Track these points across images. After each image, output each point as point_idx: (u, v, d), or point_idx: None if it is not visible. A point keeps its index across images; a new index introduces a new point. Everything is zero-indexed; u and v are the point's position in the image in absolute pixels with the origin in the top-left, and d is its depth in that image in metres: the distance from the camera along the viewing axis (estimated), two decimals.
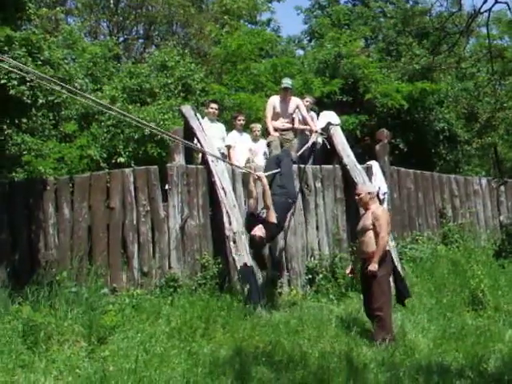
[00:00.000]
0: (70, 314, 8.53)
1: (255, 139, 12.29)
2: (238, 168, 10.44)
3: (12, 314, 8.38)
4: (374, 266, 8.11)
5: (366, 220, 8.43)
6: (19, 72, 6.63)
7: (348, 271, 9.11)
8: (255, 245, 9.15)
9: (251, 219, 9.28)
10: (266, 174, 9.44)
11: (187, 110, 11.54)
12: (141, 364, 7.13)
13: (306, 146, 12.02)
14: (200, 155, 11.60)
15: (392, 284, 8.91)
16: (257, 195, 9.51)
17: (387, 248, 8.36)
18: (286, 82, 12.68)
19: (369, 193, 8.63)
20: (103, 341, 8.04)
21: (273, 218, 8.95)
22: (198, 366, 7.09)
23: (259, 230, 8.93)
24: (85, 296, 9.00)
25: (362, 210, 9.15)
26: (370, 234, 8.29)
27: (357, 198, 8.72)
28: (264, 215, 9.08)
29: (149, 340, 8.01)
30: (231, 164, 10.59)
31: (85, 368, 7.23)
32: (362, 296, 8.90)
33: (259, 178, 9.17)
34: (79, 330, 8.19)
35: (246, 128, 12.82)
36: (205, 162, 10.85)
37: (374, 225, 8.26)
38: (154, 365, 7.12)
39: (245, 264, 9.60)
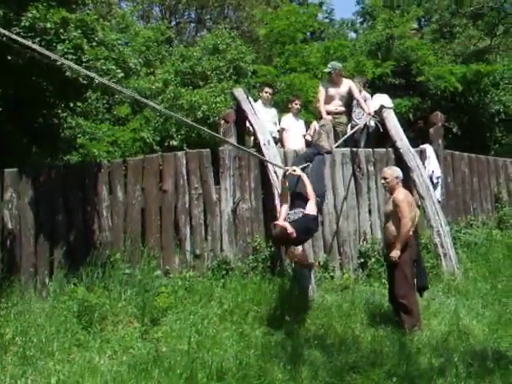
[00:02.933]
0: (124, 295, 8.65)
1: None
2: (270, 163, 10.00)
3: (67, 295, 8.53)
4: (395, 253, 7.91)
5: (389, 205, 8.26)
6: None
7: None
8: (276, 240, 8.13)
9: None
10: (299, 167, 8.59)
11: (239, 92, 11.49)
12: (193, 345, 7.21)
13: (356, 128, 11.87)
14: (252, 138, 11.56)
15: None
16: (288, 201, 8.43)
17: (411, 233, 8.06)
18: (329, 66, 12.50)
19: (396, 177, 8.31)
20: (156, 322, 8.14)
21: (313, 209, 7.93)
22: (250, 348, 7.13)
23: (282, 222, 7.80)
24: (138, 278, 9.11)
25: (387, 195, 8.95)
26: (392, 219, 8.08)
27: (383, 182, 8.43)
28: (294, 218, 7.91)
29: (201, 322, 8.08)
30: (260, 158, 10.02)
31: (138, 348, 7.35)
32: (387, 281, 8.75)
33: (295, 173, 8.28)
34: (133, 311, 8.31)
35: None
36: (257, 145, 10.82)
37: (395, 210, 8.03)
38: (207, 346, 7.19)
39: (296, 247, 9.56)
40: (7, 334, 7.44)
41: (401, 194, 8.14)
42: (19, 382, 6.30)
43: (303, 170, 8.55)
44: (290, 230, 7.56)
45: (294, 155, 10.65)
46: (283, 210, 8.20)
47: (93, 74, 6.46)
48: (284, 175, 8.53)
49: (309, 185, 8.04)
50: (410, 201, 8.18)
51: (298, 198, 8.17)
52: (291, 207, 8.19)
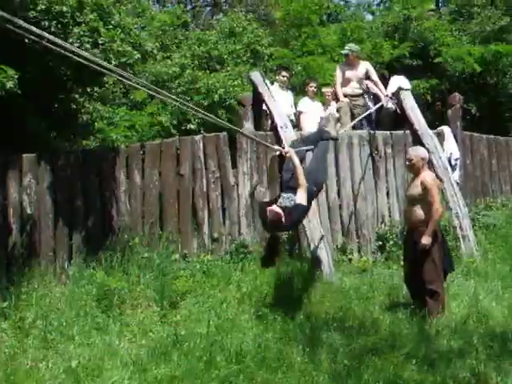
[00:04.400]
0: (143, 279, 8.68)
1: (326, 103, 12.17)
2: (265, 145, 9.72)
3: (87, 279, 8.56)
4: (427, 239, 7.59)
5: (415, 188, 7.84)
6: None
7: None
8: (269, 225, 7.57)
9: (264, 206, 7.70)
10: (296, 149, 8.22)
11: (256, 76, 11.44)
12: (212, 328, 7.22)
13: (368, 112, 11.78)
14: (269, 121, 11.53)
15: None
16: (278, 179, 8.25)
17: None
18: (346, 48, 12.46)
19: (422, 158, 7.96)
20: (175, 305, 8.17)
21: (303, 200, 7.53)
22: (268, 331, 7.13)
23: (275, 207, 7.40)
24: (156, 261, 9.13)
25: (410, 175, 8.66)
26: (419, 203, 7.74)
27: (408, 163, 8.06)
28: (285, 204, 7.53)
29: (220, 305, 8.09)
30: (253, 139, 9.83)
31: (157, 332, 7.39)
32: (403, 264, 8.58)
33: (287, 155, 8.05)
34: (151, 295, 8.35)
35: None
36: (274, 128, 10.79)
37: (423, 194, 7.72)
38: (226, 329, 7.20)
39: (314, 230, 9.55)
40: (28, 318, 7.51)
41: (429, 176, 7.87)
42: (40, 365, 6.34)
43: (303, 154, 8.39)
44: (281, 215, 7.28)
45: (298, 138, 10.16)
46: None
47: (105, 64, 6.42)
48: (280, 155, 8.29)
49: (300, 170, 7.64)
50: (438, 184, 8.03)
51: (290, 181, 7.88)
52: (282, 189, 8.05)
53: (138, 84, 7.11)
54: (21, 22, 4.97)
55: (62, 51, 5.35)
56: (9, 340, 7.13)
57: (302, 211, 7.71)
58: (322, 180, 8.66)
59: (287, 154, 8.02)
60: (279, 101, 11.20)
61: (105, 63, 6.25)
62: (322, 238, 9.60)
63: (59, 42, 5.19)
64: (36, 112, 10.24)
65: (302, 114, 11.85)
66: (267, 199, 7.76)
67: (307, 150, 8.50)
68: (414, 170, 7.98)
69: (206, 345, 6.61)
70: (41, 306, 7.81)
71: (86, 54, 5.91)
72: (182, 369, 6.07)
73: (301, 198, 7.50)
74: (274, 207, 7.35)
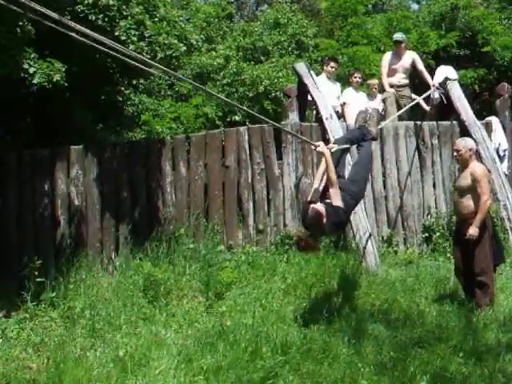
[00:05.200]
0: (188, 269, 8.76)
1: (372, 95, 12.05)
2: (298, 137, 9.66)
3: (133, 269, 8.66)
4: (475, 230, 7.49)
5: (464, 179, 7.74)
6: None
7: None
8: (309, 223, 6.91)
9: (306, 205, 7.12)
10: (334, 148, 7.50)
11: (301, 67, 11.39)
12: (258, 319, 7.24)
13: (415, 102, 11.63)
14: (314, 112, 11.48)
15: None
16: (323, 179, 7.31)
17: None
18: (397, 35, 12.36)
19: (470, 149, 7.85)
20: (220, 296, 8.21)
21: (337, 201, 6.87)
22: (314, 322, 7.12)
23: (318, 205, 6.83)
24: (202, 252, 9.18)
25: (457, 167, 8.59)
26: (469, 194, 7.64)
27: (456, 154, 7.94)
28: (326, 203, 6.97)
29: (265, 296, 8.10)
30: (286, 131, 9.47)
31: (203, 322, 7.44)
32: (453, 257, 8.45)
33: (321, 153, 7.27)
34: (197, 286, 8.42)
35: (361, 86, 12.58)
36: (319, 119, 10.75)
37: (473, 185, 7.61)
38: (271, 320, 7.21)
39: (360, 222, 9.51)
40: (76, 308, 7.64)
41: (479, 168, 7.78)
42: (88, 354, 6.43)
43: (343, 152, 7.77)
44: (323, 213, 6.73)
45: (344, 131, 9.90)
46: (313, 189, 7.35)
47: (148, 61, 6.44)
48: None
49: (332, 169, 6.97)
50: (488, 175, 7.89)
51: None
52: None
53: (181, 78, 7.10)
54: (68, 22, 5.00)
55: (105, 50, 5.38)
56: (58, 329, 7.28)
57: (343, 213, 7.00)
58: (362, 191, 7.74)
59: (317, 149, 7.26)
60: (326, 92, 11.14)
61: (147, 59, 6.25)
62: (367, 230, 9.55)
63: (104, 40, 5.23)
64: (82, 104, 10.39)
65: (346, 106, 11.74)
66: (310, 197, 7.31)
67: (344, 150, 7.81)
68: (462, 161, 7.88)
69: (251, 336, 6.61)
70: (88, 296, 7.93)
71: (130, 52, 5.92)
72: (227, 359, 6.09)
73: (334, 198, 6.89)
74: (317, 205, 6.84)
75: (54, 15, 4.68)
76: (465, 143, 7.97)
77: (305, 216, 6.97)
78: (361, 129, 8.10)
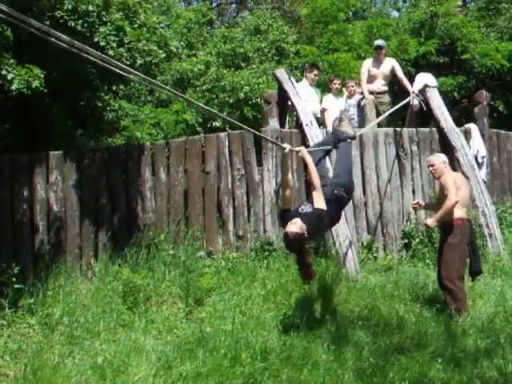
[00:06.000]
0: (168, 276, 8.73)
1: (350, 96, 12.17)
2: (271, 142, 9.53)
3: (112, 276, 8.63)
4: (431, 222, 7.73)
5: (441, 190, 8.06)
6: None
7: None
8: (289, 244, 6.77)
9: (285, 217, 6.95)
10: (311, 149, 7.79)
11: (281, 73, 11.44)
12: (237, 326, 7.24)
13: (394, 109, 11.67)
14: (294, 119, 11.50)
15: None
16: (293, 185, 7.65)
17: (465, 217, 7.87)
18: (378, 41, 12.47)
19: (443, 161, 8.09)
20: (200, 302, 8.22)
21: (321, 203, 6.75)
22: (293, 328, 7.12)
23: (294, 226, 6.54)
24: (182, 259, 9.17)
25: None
26: (443, 203, 7.74)
27: (431, 169, 8.13)
28: (305, 210, 6.89)
29: (245, 302, 8.10)
30: (260, 135, 8.95)
31: (183, 328, 7.45)
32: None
33: (299, 154, 7.28)
34: (177, 292, 8.40)
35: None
36: (299, 125, 10.77)
37: (445, 193, 7.73)
38: (251, 327, 7.21)
39: (339, 228, 9.53)
40: (55, 314, 7.59)
41: (449, 177, 7.90)
42: (66, 361, 6.39)
43: (323, 156, 7.90)
44: (303, 230, 6.51)
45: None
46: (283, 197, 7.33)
47: (127, 68, 6.43)
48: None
49: (313, 171, 6.97)
50: (457, 181, 7.94)
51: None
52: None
53: (160, 86, 7.06)
54: (46, 28, 4.97)
55: (85, 55, 5.36)
56: (36, 336, 7.24)
57: (326, 215, 6.86)
58: (350, 184, 7.69)
59: (299, 153, 7.26)
60: (308, 98, 11.20)
61: (126, 67, 6.22)
62: (347, 236, 9.58)
63: (83, 46, 5.20)
64: (62, 110, 10.34)
65: (326, 112, 11.80)
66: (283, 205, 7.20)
67: (325, 151, 8.03)
68: (438, 173, 8.09)
69: (231, 342, 6.61)
70: (67, 303, 7.88)
71: (108, 58, 5.89)
72: (207, 366, 6.09)
73: (317, 201, 6.78)
74: (293, 225, 6.53)
75: (35, 22, 4.65)
76: (437, 157, 8.25)
77: (287, 242, 6.76)
78: (334, 133, 8.27)
